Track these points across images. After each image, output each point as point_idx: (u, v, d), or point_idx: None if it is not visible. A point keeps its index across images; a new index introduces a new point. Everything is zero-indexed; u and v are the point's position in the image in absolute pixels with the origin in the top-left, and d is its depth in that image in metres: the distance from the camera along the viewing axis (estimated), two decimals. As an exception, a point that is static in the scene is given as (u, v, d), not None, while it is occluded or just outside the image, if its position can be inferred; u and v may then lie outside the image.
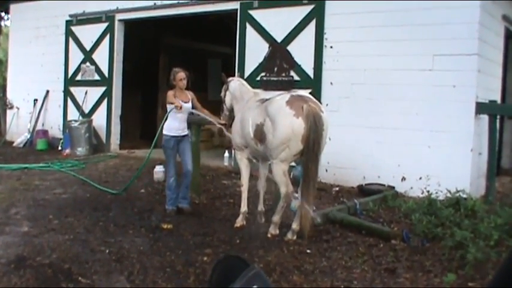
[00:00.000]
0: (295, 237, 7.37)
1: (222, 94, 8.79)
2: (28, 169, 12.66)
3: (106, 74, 15.55)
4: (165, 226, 7.94)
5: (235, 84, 8.58)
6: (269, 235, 7.47)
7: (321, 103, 7.70)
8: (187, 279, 5.92)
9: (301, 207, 7.13)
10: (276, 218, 7.48)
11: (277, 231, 7.51)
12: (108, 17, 15.49)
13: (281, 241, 7.27)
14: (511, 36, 12.18)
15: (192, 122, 9.56)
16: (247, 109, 7.92)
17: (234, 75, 12.18)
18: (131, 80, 16.26)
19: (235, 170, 10.44)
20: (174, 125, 8.67)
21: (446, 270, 6.09)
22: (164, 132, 8.73)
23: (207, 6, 13.46)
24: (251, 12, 12.43)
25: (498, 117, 10.19)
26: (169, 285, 5.76)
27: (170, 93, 8.71)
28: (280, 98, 7.34)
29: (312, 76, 11.45)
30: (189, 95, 8.87)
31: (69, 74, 16.45)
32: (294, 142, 7.01)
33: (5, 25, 24.91)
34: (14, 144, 17.19)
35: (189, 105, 8.77)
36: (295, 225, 7.41)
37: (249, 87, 8.62)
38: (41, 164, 13.14)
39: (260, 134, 7.43)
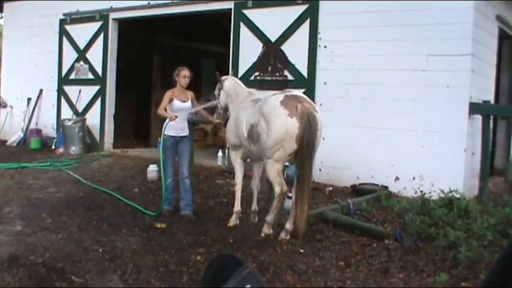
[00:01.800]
0: (288, 237, 7.38)
1: (216, 93, 8.77)
2: (27, 168, 12.67)
3: (100, 73, 15.51)
4: (158, 225, 7.93)
5: (230, 83, 8.57)
6: (262, 234, 7.47)
7: (314, 103, 7.72)
8: (181, 279, 5.92)
9: (295, 207, 7.14)
10: (270, 217, 7.48)
11: (271, 231, 7.51)
12: (102, 16, 15.46)
13: (274, 240, 7.28)
14: (505, 37, 12.21)
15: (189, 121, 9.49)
16: (241, 109, 7.92)
17: (228, 75, 12.23)
18: (125, 79, 16.22)
19: (229, 170, 10.46)
20: (173, 124, 8.48)
21: (439, 270, 6.10)
22: (164, 132, 8.60)
23: (201, 5, 13.45)
24: (245, 11, 12.42)
25: (491, 117, 10.22)
26: (162, 285, 5.75)
27: (168, 94, 8.58)
28: (274, 98, 7.35)
29: (305, 76, 11.46)
30: (189, 94, 8.77)
31: (63, 73, 16.40)
32: (288, 142, 7.02)
33: (-1, 24, 24.85)
34: (8, 143, 17.13)
35: (189, 104, 8.65)
36: (288, 225, 7.41)
37: (243, 86, 8.62)
38: (35, 163, 13.13)
39: (254, 134, 7.43)
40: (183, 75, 8.60)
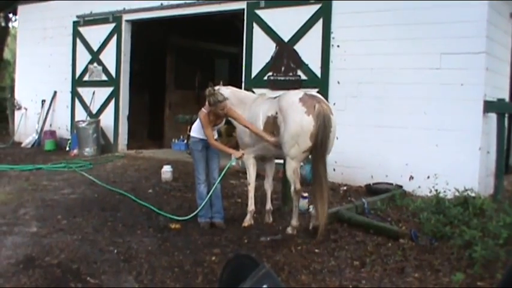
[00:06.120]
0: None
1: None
2: (42, 169, 12.75)
3: (113, 75, 15.57)
4: (173, 226, 7.94)
5: (227, 92, 8.11)
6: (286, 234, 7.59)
7: (328, 102, 7.74)
8: (196, 279, 5.93)
9: (315, 206, 7.28)
10: (294, 221, 7.61)
11: (295, 232, 7.56)
12: (115, 17, 15.52)
13: (289, 240, 7.27)
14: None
15: None
16: (255, 106, 7.94)
17: (241, 75, 12.26)
18: (138, 80, 16.30)
19: (243, 170, 10.46)
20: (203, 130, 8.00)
21: (455, 269, 6.06)
22: (192, 134, 8.19)
23: (214, 6, 13.46)
24: (258, 11, 12.42)
25: (506, 115, 10.15)
26: (177, 285, 5.77)
27: (206, 119, 7.78)
28: (293, 93, 7.54)
29: (319, 75, 11.44)
30: (223, 116, 7.99)
31: (77, 75, 16.48)
32: (303, 139, 7.17)
33: (13, 26, 25.03)
34: (22, 145, 17.23)
35: (222, 123, 8.26)
36: (313, 222, 7.58)
37: (245, 91, 8.64)
38: (50, 165, 13.20)
39: (271, 126, 7.55)
40: (221, 108, 7.66)
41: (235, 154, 7.88)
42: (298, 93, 7.54)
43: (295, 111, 7.22)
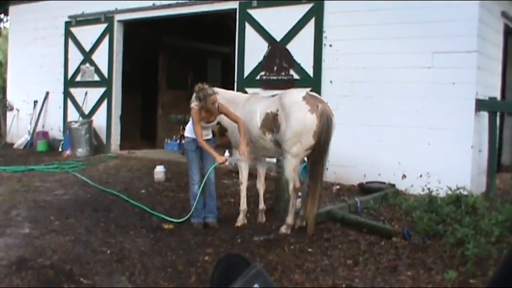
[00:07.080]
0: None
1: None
2: (34, 170, 12.70)
3: (106, 75, 15.53)
4: (166, 226, 7.94)
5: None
6: (280, 233, 7.58)
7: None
8: (189, 279, 5.93)
9: (307, 202, 7.35)
10: (289, 218, 7.63)
11: (289, 231, 7.56)
12: (107, 17, 15.48)
13: (282, 240, 7.28)
14: (511, 33, 12.15)
15: None
16: (249, 104, 7.94)
17: (233, 75, 12.27)
18: (131, 80, 16.27)
19: (236, 170, 10.46)
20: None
21: (448, 267, 6.08)
22: (186, 134, 8.17)
23: (206, 6, 13.45)
24: (250, 11, 12.42)
25: (498, 114, 10.19)
26: (170, 285, 5.76)
27: (196, 116, 7.68)
28: (296, 92, 7.66)
29: (311, 75, 11.44)
30: (216, 112, 7.78)
31: (69, 75, 16.43)
32: (306, 137, 7.24)
33: (4, 27, 24.93)
34: (15, 146, 17.15)
35: (215, 122, 8.11)
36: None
37: (235, 92, 8.69)
38: (42, 166, 13.16)
39: (271, 123, 7.56)
40: (212, 101, 7.52)
41: (217, 159, 7.71)
42: (301, 91, 7.64)
43: (298, 109, 7.27)
